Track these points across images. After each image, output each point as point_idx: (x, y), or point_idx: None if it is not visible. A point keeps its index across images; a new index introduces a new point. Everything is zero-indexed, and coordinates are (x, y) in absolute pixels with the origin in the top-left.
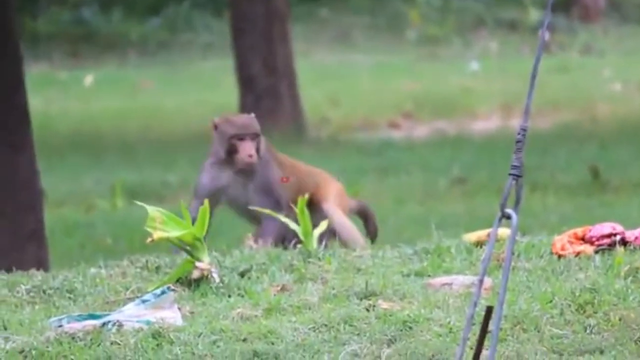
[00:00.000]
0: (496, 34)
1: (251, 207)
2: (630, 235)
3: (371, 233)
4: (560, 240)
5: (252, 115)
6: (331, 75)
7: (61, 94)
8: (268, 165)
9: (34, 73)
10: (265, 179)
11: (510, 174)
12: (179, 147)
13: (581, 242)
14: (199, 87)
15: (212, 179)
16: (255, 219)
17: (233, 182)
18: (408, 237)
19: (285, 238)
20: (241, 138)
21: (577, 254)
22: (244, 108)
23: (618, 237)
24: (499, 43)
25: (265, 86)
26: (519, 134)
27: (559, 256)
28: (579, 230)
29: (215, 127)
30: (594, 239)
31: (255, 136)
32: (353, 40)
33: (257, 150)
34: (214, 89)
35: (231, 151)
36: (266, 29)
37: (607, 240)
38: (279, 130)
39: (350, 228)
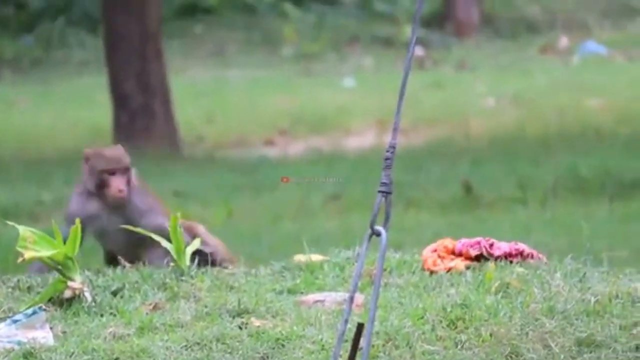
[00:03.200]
0: (371, 50)
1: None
2: (496, 247)
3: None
4: (431, 256)
5: (121, 148)
6: (206, 92)
7: None
8: (142, 192)
9: None
10: (141, 204)
11: (379, 191)
12: (53, 166)
13: (452, 256)
14: (74, 105)
15: (81, 208)
16: (120, 246)
17: (102, 212)
18: (282, 254)
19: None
20: (112, 172)
21: (449, 269)
22: (118, 126)
23: (485, 243)
24: (374, 59)
25: (139, 104)
26: (387, 151)
27: (431, 272)
28: (448, 242)
29: (86, 159)
30: (463, 248)
31: (125, 170)
32: (228, 56)
33: (128, 182)
34: (89, 106)
35: (101, 185)
36: (139, 47)
37: (476, 247)
38: (153, 148)
39: (223, 247)
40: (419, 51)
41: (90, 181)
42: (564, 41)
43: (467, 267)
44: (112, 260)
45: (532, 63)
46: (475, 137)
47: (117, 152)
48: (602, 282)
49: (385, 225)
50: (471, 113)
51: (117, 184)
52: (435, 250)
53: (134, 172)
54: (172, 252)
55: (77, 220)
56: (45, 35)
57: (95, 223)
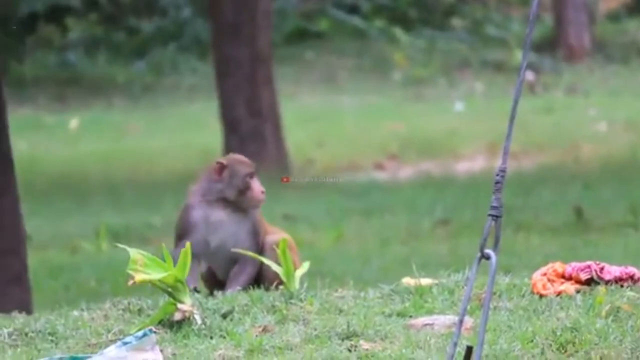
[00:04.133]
0: (481, 75)
1: (234, 250)
2: (607, 271)
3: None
4: (541, 280)
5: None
6: (316, 116)
7: (47, 138)
8: None
9: (19, 117)
10: (255, 220)
11: (489, 215)
12: (163, 190)
13: (562, 280)
14: (184, 129)
15: (204, 216)
16: (227, 262)
17: (227, 220)
18: (391, 277)
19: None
20: (252, 176)
21: (559, 293)
22: (228, 151)
23: (596, 267)
24: (484, 84)
25: (250, 129)
26: (497, 174)
27: (541, 296)
28: (558, 266)
29: (224, 167)
30: (573, 272)
31: (256, 174)
32: (338, 81)
33: None
34: (199, 131)
35: (244, 189)
36: (250, 72)
37: (587, 271)
38: (264, 173)
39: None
40: (529, 76)
41: (231, 187)
42: None
43: (577, 291)
44: (210, 280)
45: None
46: (586, 162)
47: (245, 157)
48: None
49: (495, 249)
50: (582, 137)
51: (259, 186)
52: (545, 274)
53: None
54: (282, 275)
55: (188, 244)
56: (157, 61)
57: (214, 233)
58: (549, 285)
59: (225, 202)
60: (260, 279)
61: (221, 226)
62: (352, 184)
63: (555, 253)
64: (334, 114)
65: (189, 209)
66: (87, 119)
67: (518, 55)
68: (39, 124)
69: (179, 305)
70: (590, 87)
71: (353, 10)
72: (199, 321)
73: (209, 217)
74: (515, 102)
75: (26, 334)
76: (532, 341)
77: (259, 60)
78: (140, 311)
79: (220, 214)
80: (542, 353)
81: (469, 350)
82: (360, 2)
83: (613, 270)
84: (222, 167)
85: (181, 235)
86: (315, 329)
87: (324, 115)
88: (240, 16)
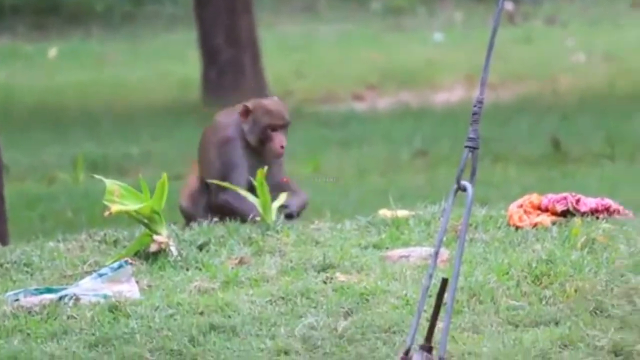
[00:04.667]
0: (461, 5)
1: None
2: (583, 203)
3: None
4: (517, 212)
5: (281, 102)
6: (296, 46)
7: (25, 67)
8: None
9: None
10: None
11: (466, 146)
12: (142, 121)
13: (538, 211)
14: (164, 60)
15: (244, 151)
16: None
17: (252, 161)
18: (369, 209)
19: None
20: (274, 129)
21: (535, 225)
22: (207, 80)
23: (572, 199)
24: (464, 14)
25: (229, 58)
26: (474, 106)
27: (517, 227)
28: (535, 198)
29: (247, 112)
30: (549, 204)
31: (287, 126)
32: (318, 10)
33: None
34: (179, 61)
35: (264, 140)
36: (229, 1)
37: (563, 203)
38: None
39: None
40: (508, 5)
41: (251, 134)
42: None
43: (553, 223)
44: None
45: (624, 17)
46: (564, 93)
47: (280, 106)
48: None
49: (471, 180)
50: (560, 68)
51: (280, 139)
52: (521, 206)
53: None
54: (259, 207)
55: (164, 175)
56: None
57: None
58: (525, 217)
59: (248, 145)
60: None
61: (250, 164)
62: (331, 115)
63: (532, 184)
64: (313, 44)
65: (233, 142)
66: (66, 48)
67: None
68: (17, 53)
69: (155, 237)
70: (569, 17)
71: None
72: (175, 253)
73: (245, 152)
74: (494, 32)
75: (1, 265)
76: (507, 273)
77: None
78: (116, 242)
79: (250, 153)
80: (518, 285)
81: (444, 282)
82: None
83: (589, 202)
84: (246, 111)
85: (233, 168)
86: (291, 261)
87: (303, 45)
88: None
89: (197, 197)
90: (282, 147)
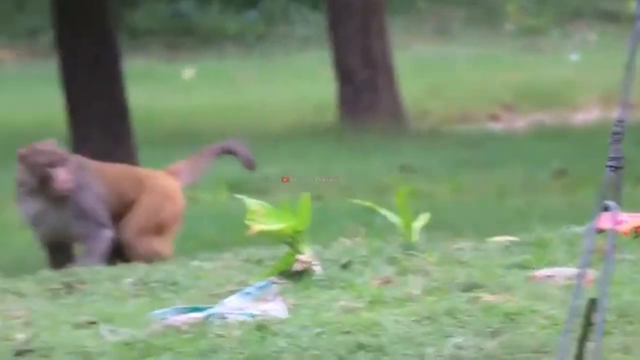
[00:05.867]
0: (595, 25)
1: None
2: None
3: (246, 163)
4: None
5: (53, 141)
6: (429, 67)
7: (160, 88)
8: (81, 189)
9: (133, 67)
10: (80, 204)
11: (607, 165)
12: (278, 141)
13: None
14: (297, 80)
15: (29, 208)
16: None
17: (47, 210)
18: (510, 229)
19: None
20: (52, 166)
21: None
22: (342, 101)
23: None
24: (598, 34)
25: (364, 79)
26: (615, 125)
27: None
28: None
29: (22, 158)
30: None
31: (64, 161)
32: (451, 32)
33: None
34: (312, 82)
35: (44, 180)
36: (363, 21)
37: None
38: (378, 123)
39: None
40: None
41: (30, 178)
42: None
43: None
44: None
45: None
46: None
47: (51, 144)
48: None
49: (615, 200)
50: None
51: (61, 175)
52: None
53: (74, 162)
54: (400, 227)
55: (307, 195)
56: (269, 10)
57: (42, 223)
58: None
59: (40, 191)
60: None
61: (45, 217)
62: (467, 135)
63: None
64: (447, 65)
65: (17, 204)
66: (200, 69)
67: (632, 5)
68: (152, 74)
69: (299, 256)
70: None
71: None
72: (319, 272)
73: (32, 208)
74: (632, 51)
75: (147, 284)
76: None
77: (372, 10)
78: (260, 261)
79: (40, 205)
80: None
81: (592, 302)
82: None
83: None
84: (20, 158)
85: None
86: (436, 281)
87: (437, 65)
88: None
89: None
90: (65, 181)
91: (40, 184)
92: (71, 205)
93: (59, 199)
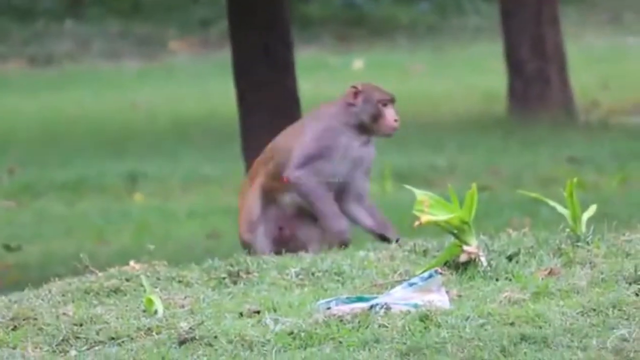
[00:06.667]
0: None
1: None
2: None
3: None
4: None
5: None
6: (601, 58)
7: (330, 78)
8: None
9: (304, 56)
10: (372, 160)
11: None
12: (447, 132)
13: None
14: (468, 71)
15: (344, 143)
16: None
17: (358, 149)
18: None
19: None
20: (385, 104)
21: None
22: (512, 92)
23: None
24: None
25: (535, 70)
26: None
27: None
28: None
29: (358, 92)
30: None
31: (394, 101)
32: (624, 21)
33: None
34: (483, 73)
35: (377, 116)
36: (536, 12)
37: None
38: (548, 114)
39: None
40: None
41: (363, 113)
42: None
43: None
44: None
45: None
46: None
47: (381, 86)
48: None
49: None
50: None
51: (393, 114)
52: None
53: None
54: (568, 218)
55: (474, 186)
56: (441, 1)
57: (347, 160)
58: None
59: (359, 129)
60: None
61: (353, 154)
62: (638, 127)
63: None
64: (620, 55)
65: (331, 132)
66: (371, 59)
67: None
68: (322, 64)
69: (465, 247)
70: None
71: None
72: (485, 263)
73: (348, 143)
74: None
75: (313, 274)
76: None
77: (544, 0)
78: (425, 252)
79: (355, 142)
80: None
81: None
82: None
83: None
84: (356, 92)
85: (314, 157)
86: (602, 273)
87: (609, 56)
88: None
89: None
90: (395, 120)
91: (372, 120)
92: (373, 151)
93: (369, 143)
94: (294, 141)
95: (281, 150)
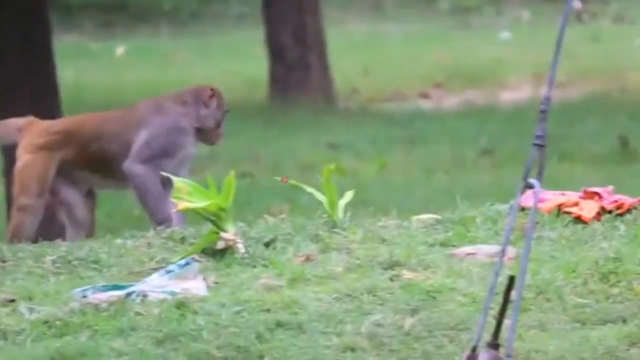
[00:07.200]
0: (528, 4)
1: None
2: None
3: None
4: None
5: None
6: (362, 45)
7: (92, 65)
8: None
9: (65, 43)
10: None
11: (533, 144)
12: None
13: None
14: (231, 58)
15: (189, 144)
16: None
17: (194, 151)
18: (435, 207)
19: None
20: (223, 116)
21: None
22: (273, 78)
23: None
24: (531, 13)
25: (295, 57)
26: (542, 104)
27: (577, 218)
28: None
29: (214, 95)
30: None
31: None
32: (385, 9)
33: None
34: (246, 60)
35: (219, 123)
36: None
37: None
38: (308, 101)
39: None
40: (576, 4)
41: (212, 117)
42: None
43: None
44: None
45: None
46: (633, 91)
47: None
48: None
49: (539, 178)
50: (629, 66)
51: (223, 128)
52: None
53: None
54: (325, 205)
55: (232, 173)
56: None
57: (186, 162)
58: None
59: (197, 131)
60: None
61: (189, 154)
62: (397, 113)
63: (599, 183)
64: (380, 42)
65: (182, 133)
66: (133, 46)
67: None
68: (84, 51)
69: (222, 234)
70: (637, 15)
71: None
72: (242, 250)
73: (189, 144)
74: (562, 31)
75: (69, 262)
76: (574, 271)
77: None
78: (183, 239)
79: (192, 143)
80: (585, 283)
81: (511, 279)
82: None
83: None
84: (212, 95)
85: (160, 154)
86: (358, 259)
87: (370, 43)
88: None
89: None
90: (223, 134)
91: (214, 126)
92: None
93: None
94: (132, 132)
95: (110, 135)
